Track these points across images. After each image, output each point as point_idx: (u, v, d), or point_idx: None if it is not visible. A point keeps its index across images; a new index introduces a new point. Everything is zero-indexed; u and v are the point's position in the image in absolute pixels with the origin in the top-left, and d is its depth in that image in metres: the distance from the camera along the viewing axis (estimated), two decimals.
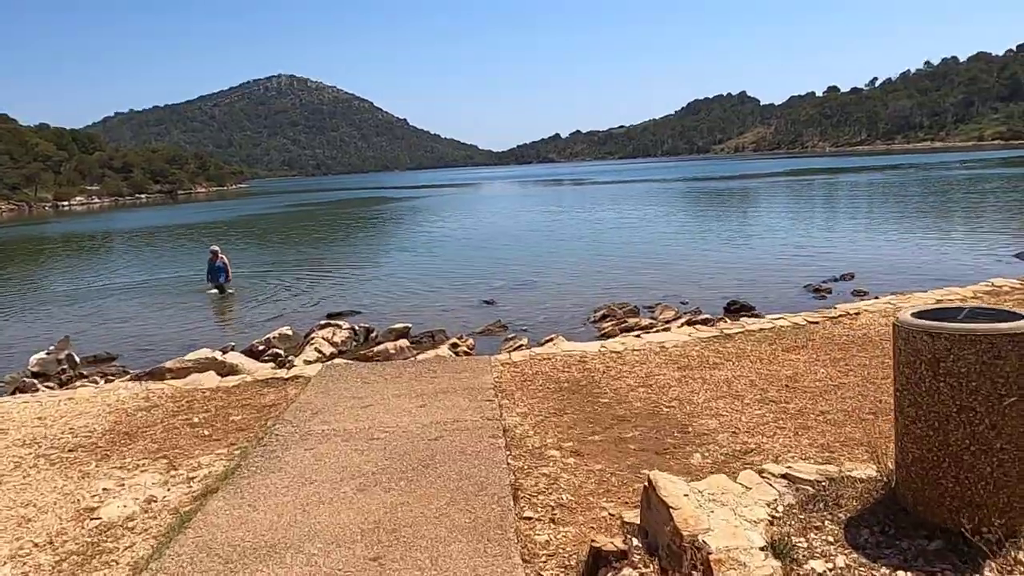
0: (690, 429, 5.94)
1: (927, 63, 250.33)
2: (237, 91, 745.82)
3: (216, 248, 20.27)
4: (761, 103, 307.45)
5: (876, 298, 13.83)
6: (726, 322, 11.15)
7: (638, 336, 9.26)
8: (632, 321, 13.60)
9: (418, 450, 5.57)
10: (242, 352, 12.27)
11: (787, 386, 6.86)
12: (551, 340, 12.52)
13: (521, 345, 12.04)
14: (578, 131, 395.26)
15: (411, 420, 6.34)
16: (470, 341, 12.88)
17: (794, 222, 30.90)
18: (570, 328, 13.80)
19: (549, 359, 8.30)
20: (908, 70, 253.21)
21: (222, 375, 10.36)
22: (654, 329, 12.85)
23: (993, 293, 10.03)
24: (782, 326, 9.10)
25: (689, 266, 20.09)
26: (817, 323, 9.12)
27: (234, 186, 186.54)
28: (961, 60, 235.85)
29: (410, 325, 13.98)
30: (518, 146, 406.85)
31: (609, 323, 13.71)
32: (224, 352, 11.68)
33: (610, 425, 6.16)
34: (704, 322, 12.85)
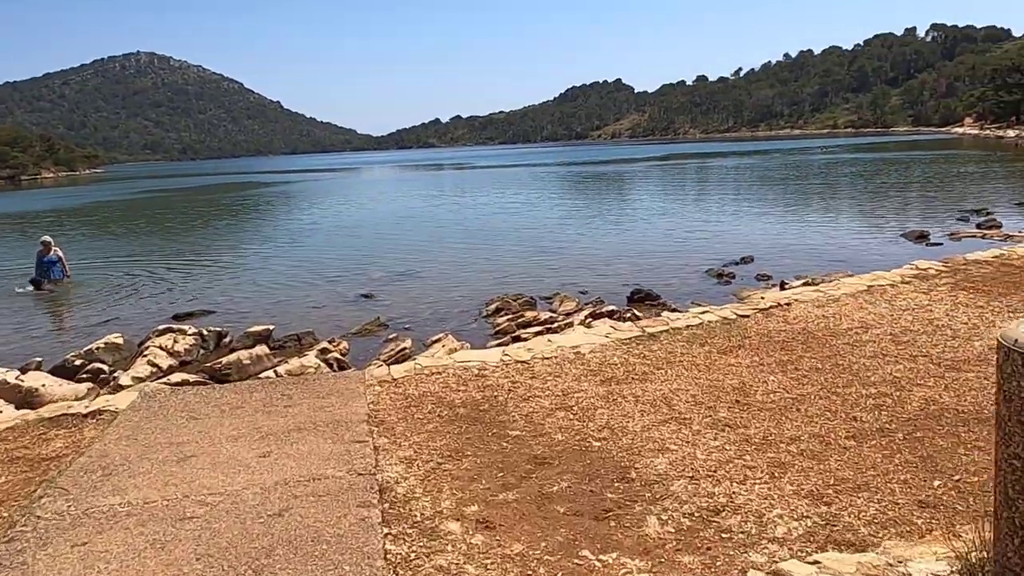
0: (633, 474, 4.43)
1: (786, 55, 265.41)
2: (90, 68, 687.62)
3: (48, 239, 17.10)
4: (635, 91, 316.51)
5: (783, 285, 13.07)
6: (643, 318, 9.86)
7: (547, 340, 7.69)
8: (530, 315, 12.10)
9: (250, 538, 3.74)
10: (50, 370, 9.77)
11: (738, 402, 5.51)
12: (439, 340, 10.82)
13: (404, 349, 10.26)
14: (458, 116, 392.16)
15: (247, 480, 4.48)
16: (343, 345, 10.95)
17: (681, 205, 30.57)
18: (460, 324, 12.15)
19: (439, 373, 6.60)
20: (769, 61, 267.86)
21: (17, 404, 8.02)
22: (556, 324, 11.45)
23: (921, 277, 9.23)
24: (710, 321, 7.82)
25: (582, 252, 18.87)
26: (748, 317, 7.92)
27: (87, 171, 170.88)
28: (816, 53, 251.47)
29: (272, 327, 11.84)
30: (398, 131, 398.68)
31: (504, 318, 12.15)
32: (24, 371, 9.19)
33: (527, 473, 4.55)
34: (611, 315, 11.54)
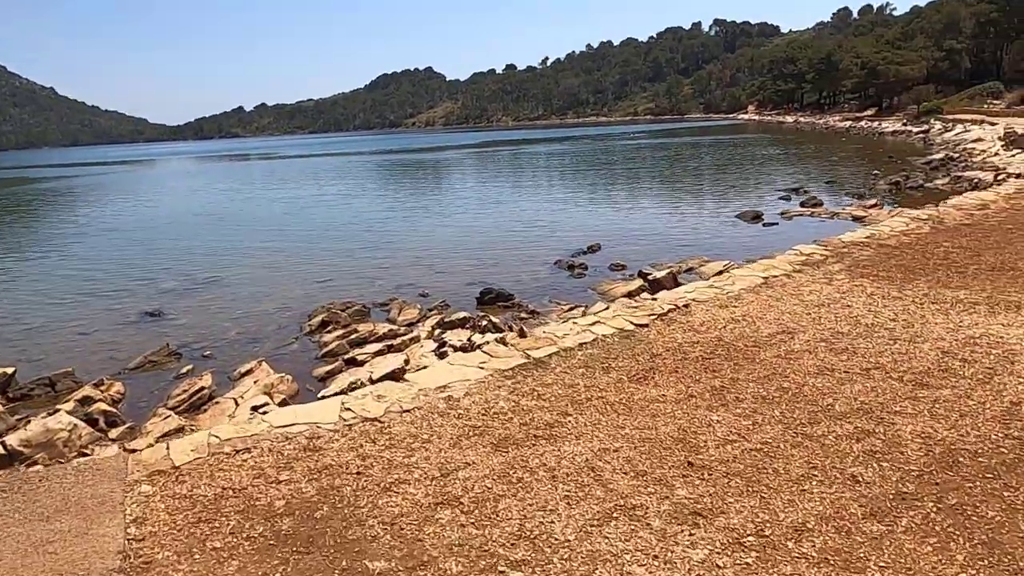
0: None
1: (588, 46, 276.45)
2: None
3: None
4: (447, 79, 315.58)
5: (647, 278, 11.93)
6: (508, 330, 8.10)
7: (402, 380, 5.67)
8: (364, 329, 9.96)
9: None
10: None
11: (691, 464, 3.90)
12: (250, 373, 8.43)
13: (202, 391, 7.77)
14: (264, 104, 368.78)
15: None
16: (116, 388, 8.23)
17: (512, 194, 29.34)
18: (277, 347, 9.77)
19: (248, 451, 4.40)
20: (573, 51, 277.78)
21: None
22: (398, 339, 9.41)
23: (810, 264, 8.27)
24: (604, 335, 6.22)
25: (415, 248, 16.86)
26: (646, 326, 6.42)
27: None
28: (615, 44, 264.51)
29: (12, 368, 8.78)
30: (197, 119, 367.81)
31: (333, 334, 9.91)
32: None
33: None
34: (463, 323, 9.70)
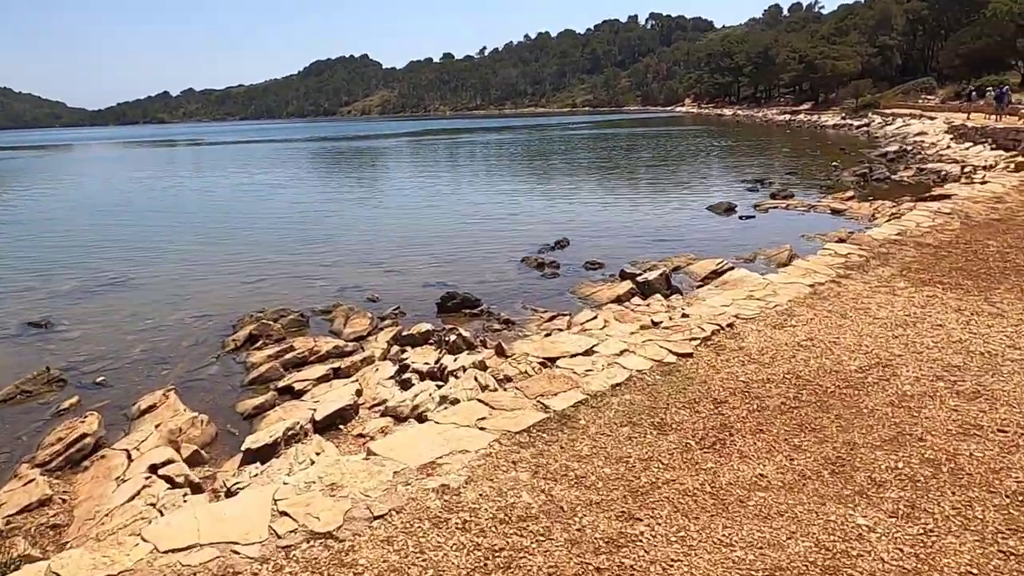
0: None
1: (526, 36, 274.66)
2: None
3: None
4: (384, 67, 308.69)
5: (635, 280, 10.38)
6: (479, 347, 6.42)
7: (370, 456, 3.88)
8: (303, 345, 8.09)
9: None
10: None
11: None
12: (153, 409, 6.50)
13: (83, 438, 5.82)
14: (191, 89, 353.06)
15: None
16: None
17: (464, 184, 27.50)
18: (192, 369, 7.83)
19: None
20: (511, 41, 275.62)
21: None
22: (346, 359, 7.59)
23: (854, 267, 6.82)
24: (640, 370, 4.58)
25: (361, 244, 14.93)
26: (691, 355, 4.81)
27: None
28: (553, 35, 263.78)
29: None
30: (119, 104, 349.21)
31: (264, 353, 8.01)
32: None
33: None
34: (427, 338, 7.94)
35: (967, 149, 27.30)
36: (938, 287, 5.98)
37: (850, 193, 17.91)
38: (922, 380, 4.18)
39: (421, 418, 5.61)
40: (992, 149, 25.59)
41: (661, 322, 8.21)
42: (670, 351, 4.75)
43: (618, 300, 9.42)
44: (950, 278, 6.25)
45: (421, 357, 7.12)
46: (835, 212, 15.97)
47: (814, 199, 17.82)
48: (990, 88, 43.43)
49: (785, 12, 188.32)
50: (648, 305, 9.07)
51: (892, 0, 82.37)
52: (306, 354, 7.83)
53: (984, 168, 20.99)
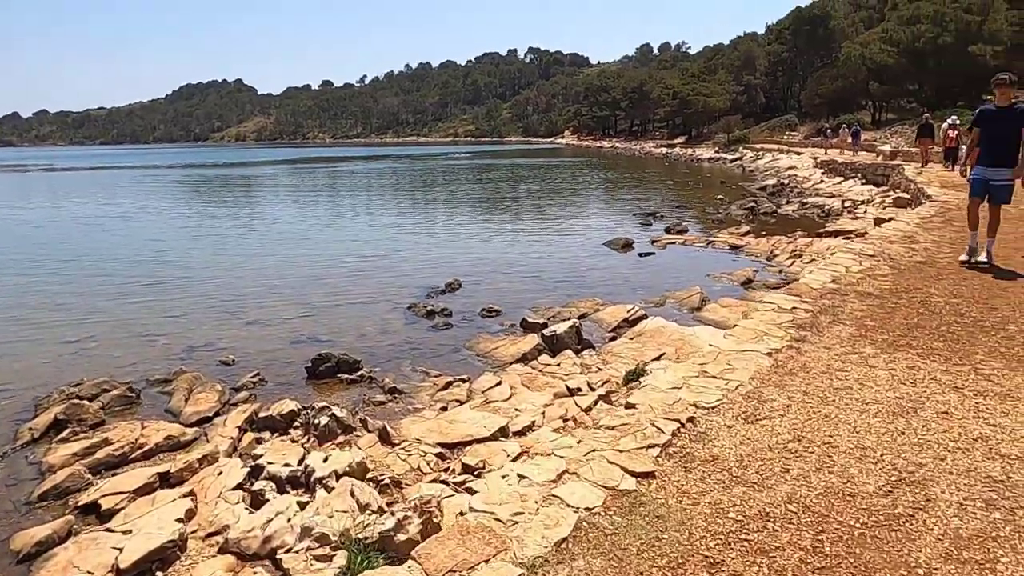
0: None
1: (407, 66, 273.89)
2: None
3: None
4: (259, 92, 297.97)
5: (539, 331, 9.11)
6: (384, 438, 4.86)
7: None
8: (122, 436, 6.19)
9: None
10: None
11: None
12: None
13: None
14: (44, 111, 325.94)
15: None
16: None
17: (335, 216, 25.54)
18: None
19: None
20: (392, 71, 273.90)
21: None
22: (181, 455, 5.81)
23: (804, 326, 5.79)
24: (590, 509, 3.18)
25: (217, 287, 12.91)
26: (652, 476, 3.46)
27: None
28: (434, 66, 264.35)
29: None
30: None
31: (68, 449, 6.06)
32: None
33: None
34: (291, 421, 6.29)
35: (840, 184, 28.29)
36: (912, 353, 5.03)
37: (744, 228, 17.60)
38: (968, 508, 3.07)
39: (277, 562, 4.00)
40: (863, 184, 26.57)
41: (579, 389, 6.99)
42: (623, 469, 3.41)
43: (524, 359, 8.09)
44: (916, 339, 5.34)
45: (281, 453, 5.46)
46: (733, 248, 15.49)
47: (710, 234, 17.37)
48: (844, 126, 46.30)
49: (655, 51, 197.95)
50: (559, 364, 7.79)
51: (755, 43, 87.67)
52: (126, 449, 5.97)
53: (864, 203, 21.50)
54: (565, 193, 32.01)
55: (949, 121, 22.81)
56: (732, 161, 51.67)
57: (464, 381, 7.38)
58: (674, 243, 16.42)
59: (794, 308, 6.25)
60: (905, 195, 19.32)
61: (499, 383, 7.17)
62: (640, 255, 15.06)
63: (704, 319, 9.69)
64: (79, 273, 14.52)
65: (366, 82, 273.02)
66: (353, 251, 16.39)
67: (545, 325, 9.43)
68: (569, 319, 9.31)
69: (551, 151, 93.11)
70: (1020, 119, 7.42)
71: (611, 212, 23.70)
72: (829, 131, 49.72)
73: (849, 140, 40.38)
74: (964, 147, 22.20)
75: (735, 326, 5.80)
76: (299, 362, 8.27)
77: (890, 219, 12.76)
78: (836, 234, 15.19)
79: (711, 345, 5.27)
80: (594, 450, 3.63)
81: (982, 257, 7.81)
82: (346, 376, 7.75)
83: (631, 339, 8.61)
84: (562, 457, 3.61)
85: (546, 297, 11.45)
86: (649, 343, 8.41)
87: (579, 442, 3.89)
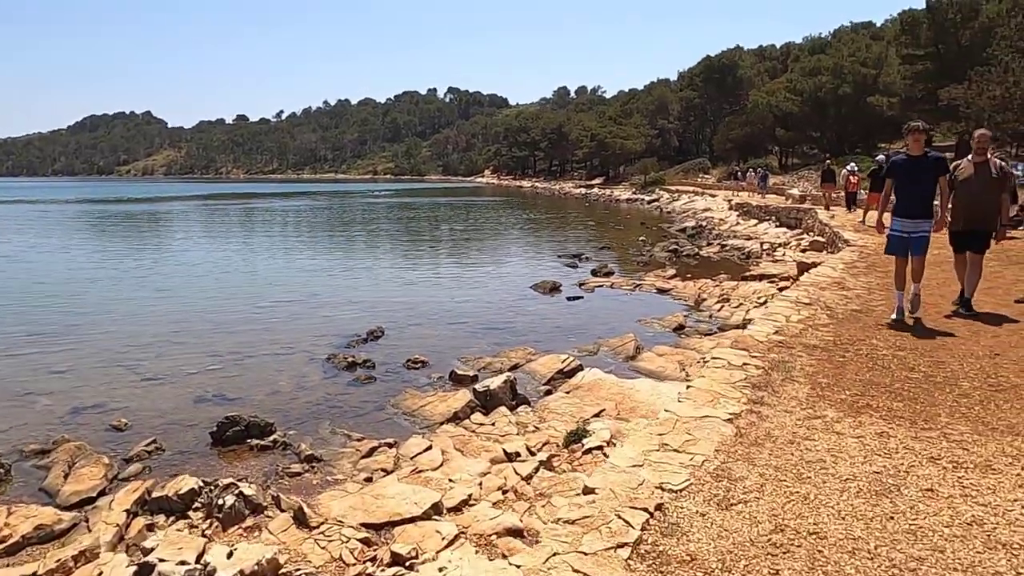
0: None
1: (325, 102, 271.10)
2: None
3: None
4: (169, 125, 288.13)
5: (469, 384, 8.53)
6: (300, 519, 4.15)
7: None
8: None
9: None
10: None
11: None
12: None
13: None
14: None
15: None
16: None
17: (247, 255, 24.30)
18: None
19: None
20: (310, 107, 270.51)
21: None
22: (52, 547, 4.91)
23: (758, 384, 5.45)
24: None
25: (114, 338, 11.73)
26: None
27: None
28: (353, 103, 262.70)
29: None
30: None
31: None
32: None
33: None
34: (189, 503, 5.51)
35: (755, 226, 29.07)
36: (875, 416, 4.74)
37: (670, 271, 17.58)
38: None
39: None
40: (777, 226, 27.36)
41: (517, 453, 6.42)
42: None
43: (455, 418, 7.47)
44: (875, 399, 5.07)
45: (177, 547, 4.64)
46: (661, 291, 15.37)
47: (637, 277, 17.25)
48: (751, 170, 48.28)
49: (572, 93, 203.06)
50: (494, 424, 7.22)
51: (668, 89, 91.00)
52: None
53: (781, 246, 22.02)
54: (488, 233, 31.70)
55: (849, 167, 24.22)
56: (649, 202, 52.82)
57: (390, 446, 6.70)
58: (602, 286, 16.20)
59: (745, 364, 5.91)
60: (821, 239, 19.84)
61: (429, 447, 6.53)
62: (569, 299, 14.73)
63: (640, 369, 9.35)
64: None
65: (283, 117, 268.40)
66: (267, 295, 15.40)
67: (476, 378, 8.89)
68: (501, 371, 8.78)
69: (472, 190, 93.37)
70: (936, 168, 7.03)
71: (536, 253, 23.45)
72: (739, 174, 51.73)
73: (756, 184, 42.07)
74: (863, 192, 23.69)
75: (688, 387, 5.38)
76: (204, 424, 7.39)
77: (813, 263, 12.87)
78: (760, 278, 15.31)
79: (667, 411, 4.82)
80: (555, 554, 3.07)
81: (917, 314, 7.57)
82: (257, 441, 6.94)
83: (568, 393, 8.14)
84: (518, 567, 3.03)
85: (475, 345, 10.90)
86: (587, 397, 7.97)
87: (536, 543, 3.33)
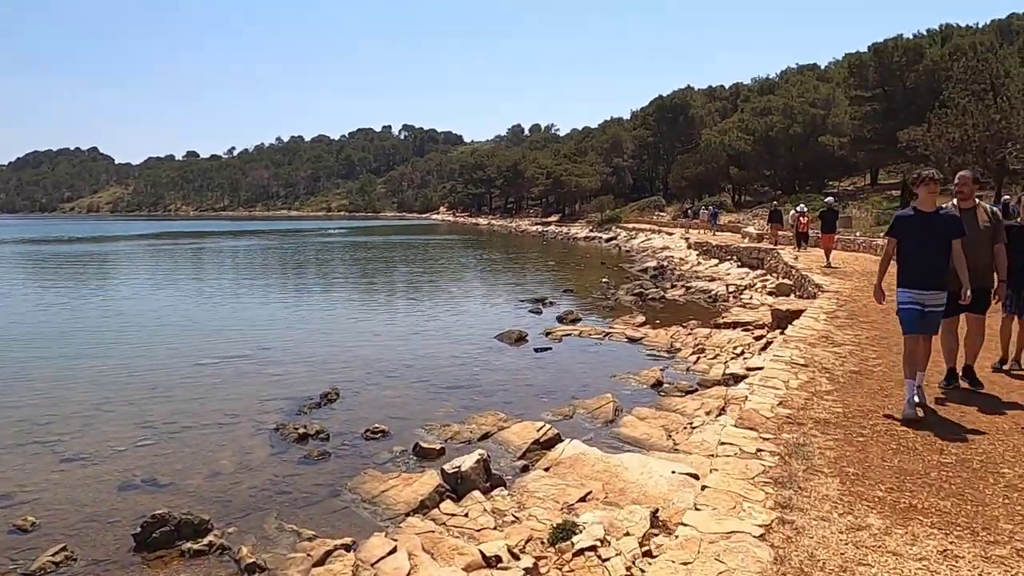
0: None
1: (279, 139, 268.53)
2: None
3: None
4: (116, 161, 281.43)
5: (435, 462, 7.64)
6: None
7: None
8: None
9: None
10: None
11: None
12: None
13: None
14: None
15: None
16: None
17: (191, 302, 22.97)
18: None
19: None
20: (263, 143, 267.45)
21: None
22: None
23: (776, 479, 4.72)
24: None
25: (28, 408, 10.51)
26: None
27: None
28: (307, 140, 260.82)
29: None
30: None
31: None
32: None
33: None
34: None
35: (716, 266, 28.87)
36: (926, 524, 4.03)
37: (640, 318, 16.94)
38: None
39: None
40: (738, 266, 27.15)
41: (497, 558, 5.52)
42: None
43: (422, 507, 6.54)
44: (917, 496, 4.38)
45: None
46: (632, 340, 14.72)
47: (604, 324, 16.61)
48: (703, 208, 48.75)
49: (527, 131, 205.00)
50: (467, 514, 6.32)
51: (621, 127, 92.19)
52: None
53: (747, 288, 21.67)
54: (447, 276, 30.84)
55: (799, 208, 24.88)
56: (607, 240, 52.73)
57: (348, 548, 5.74)
58: (570, 335, 15.46)
59: (759, 451, 5.17)
60: (787, 281, 19.51)
61: (394, 550, 5.60)
62: (536, 350, 13.94)
63: (623, 437, 8.56)
64: None
65: (234, 154, 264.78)
66: (211, 350, 14.22)
67: (443, 451, 8.00)
68: (471, 441, 7.91)
69: (427, 227, 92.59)
70: (951, 228, 5.94)
71: (498, 298, 22.66)
72: (690, 212, 52.09)
73: (708, 222, 42.41)
74: (815, 232, 24.16)
75: (704, 489, 4.58)
76: (127, 522, 6.34)
77: (788, 311, 12.38)
78: (734, 325, 14.77)
79: (686, 525, 4.01)
80: None
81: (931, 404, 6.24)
82: (189, 545, 5.91)
83: (547, 470, 7.29)
84: None
85: (439, 409, 9.99)
86: (570, 476, 7.13)
87: None
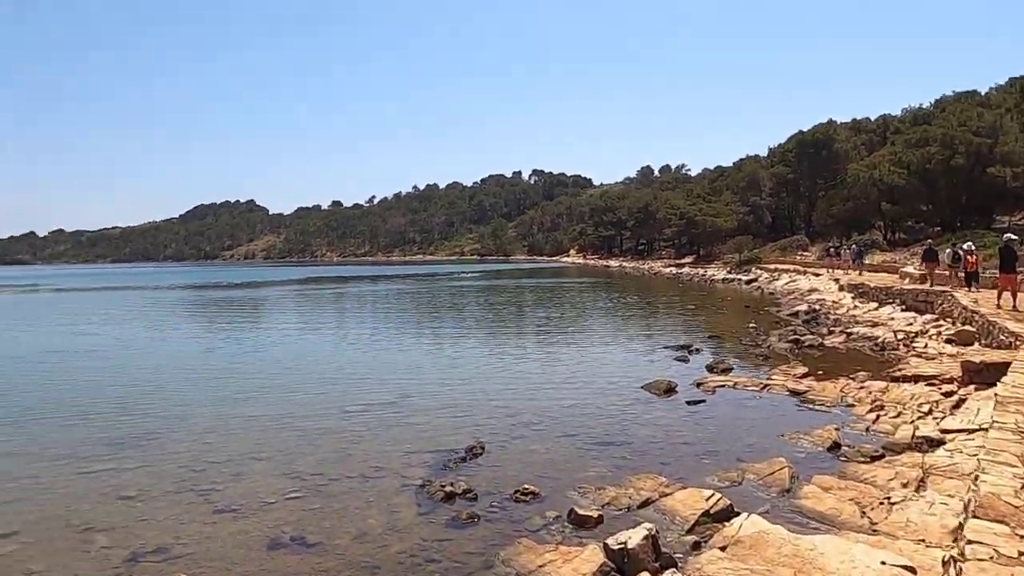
0: None
1: (415, 187, 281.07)
2: None
3: None
4: (270, 212, 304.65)
5: (598, 536, 6.94)
6: None
7: None
8: None
9: None
10: None
11: None
12: None
13: None
14: (61, 230, 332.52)
15: None
16: None
17: (334, 348, 23.60)
18: None
19: None
20: (400, 192, 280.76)
21: None
22: None
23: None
24: None
25: (177, 448, 10.81)
26: None
27: None
28: (441, 187, 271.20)
29: None
30: None
31: None
32: None
33: None
34: None
35: (877, 310, 26.46)
36: None
37: (801, 368, 15.51)
38: None
39: None
40: (903, 311, 24.72)
41: None
42: None
43: None
44: None
45: None
46: (794, 393, 13.39)
47: (761, 374, 15.31)
48: (844, 247, 45.36)
49: (656, 172, 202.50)
50: None
51: (758, 165, 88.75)
52: None
53: (919, 334, 19.54)
54: (583, 321, 30.16)
55: (967, 247, 23.12)
56: (748, 282, 50.29)
57: None
58: (723, 386, 14.34)
59: (1022, 555, 4.12)
60: (969, 328, 17.40)
61: None
62: (688, 403, 12.95)
63: (807, 511, 7.49)
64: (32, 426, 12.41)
65: (375, 202, 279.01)
66: (355, 397, 14.27)
67: (601, 519, 7.29)
68: (630, 508, 7.14)
69: (557, 270, 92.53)
70: None
71: (639, 344, 21.71)
72: (833, 250, 48.68)
73: (851, 261, 39.39)
74: (984, 271, 22.40)
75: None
76: None
77: (984, 363, 10.75)
78: (916, 379, 13.12)
79: None
80: None
81: None
82: None
83: (724, 550, 6.40)
84: None
85: (591, 468, 9.29)
86: (751, 559, 6.20)
87: None
